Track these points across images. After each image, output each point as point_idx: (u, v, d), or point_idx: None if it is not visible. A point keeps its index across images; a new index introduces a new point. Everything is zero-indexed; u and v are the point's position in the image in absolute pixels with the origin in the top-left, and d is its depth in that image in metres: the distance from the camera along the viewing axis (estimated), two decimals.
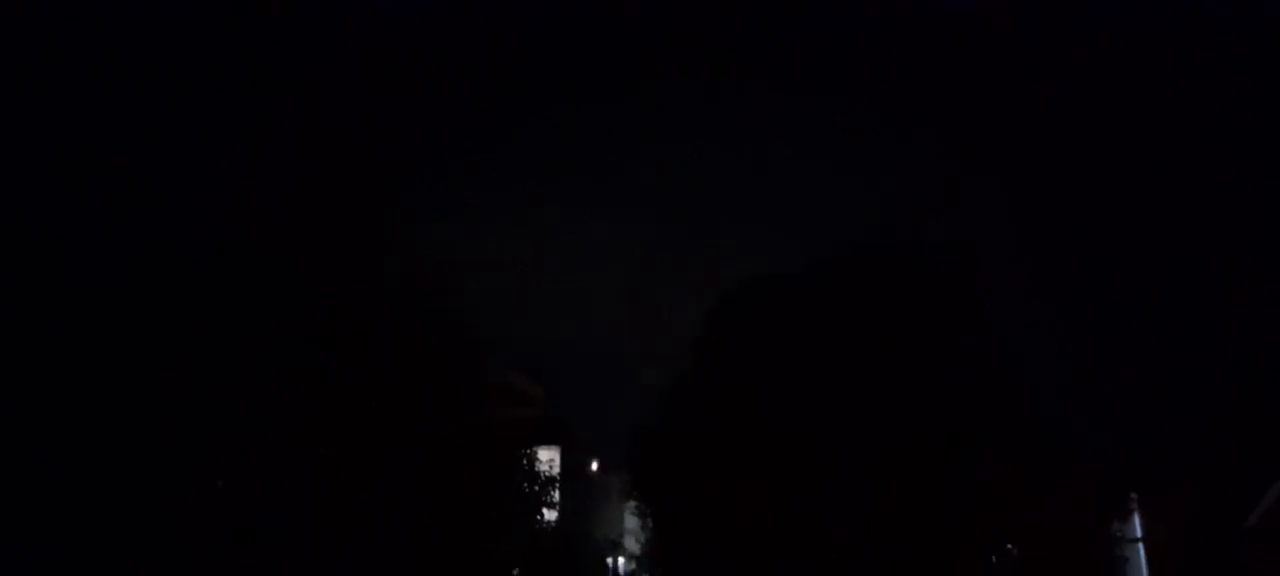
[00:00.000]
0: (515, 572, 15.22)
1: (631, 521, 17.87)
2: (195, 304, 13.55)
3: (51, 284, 13.53)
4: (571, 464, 19.44)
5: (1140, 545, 19.32)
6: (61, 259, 13.91)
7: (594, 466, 21.64)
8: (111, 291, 13.73)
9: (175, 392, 12.81)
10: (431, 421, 14.16)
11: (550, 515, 15.91)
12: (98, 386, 12.96)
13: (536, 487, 15.52)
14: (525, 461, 15.61)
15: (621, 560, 18.41)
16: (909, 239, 17.25)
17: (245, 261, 14.26)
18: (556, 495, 16.08)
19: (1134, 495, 17.64)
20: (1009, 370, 16.24)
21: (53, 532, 12.43)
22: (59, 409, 12.82)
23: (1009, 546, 16.25)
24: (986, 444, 15.19)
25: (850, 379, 15.29)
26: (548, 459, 16.28)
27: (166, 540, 12.41)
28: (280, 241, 14.92)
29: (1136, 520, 18.80)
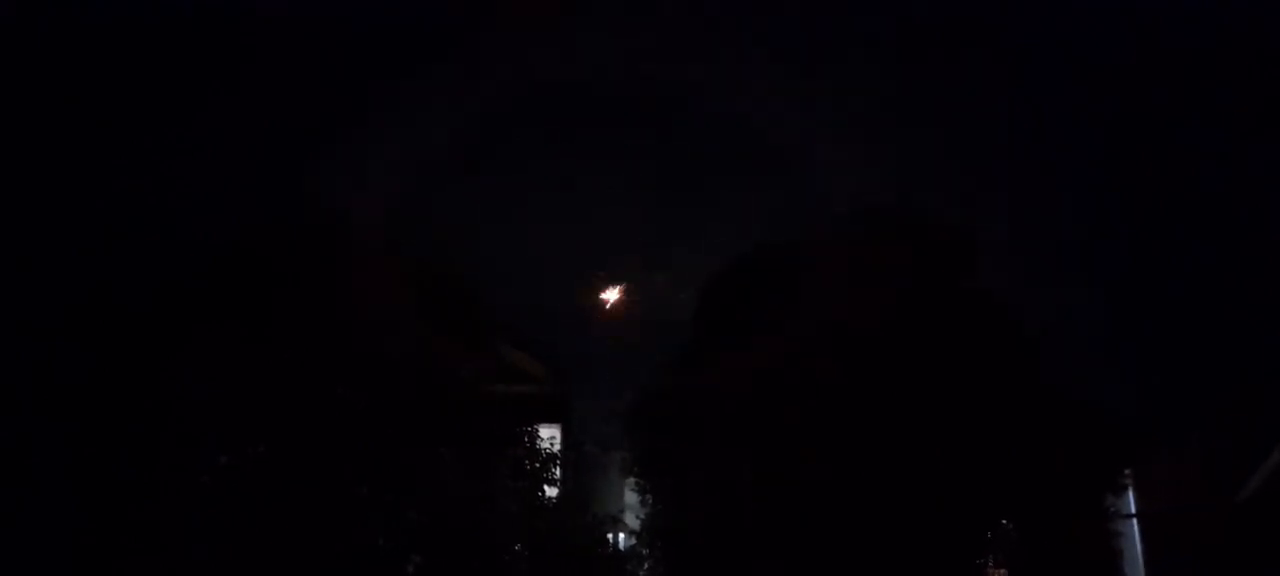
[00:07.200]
0: (516, 547, 15.45)
1: (631, 497, 18.10)
2: (194, 304, 13.76)
3: (50, 285, 13.73)
4: (572, 440, 19.66)
5: (1134, 521, 19.53)
6: (59, 259, 14.10)
7: (594, 442, 21.85)
8: (109, 292, 13.94)
9: (174, 394, 13.05)
10: (433, 402, 14.43)
11: (551, 492, 16.15)
12: (95, 387, 13.19)
13: (537, 465, 15.78)
14: (526, 439, 15.88)
15: (622, 536, 18.64)
16: (915, 205, 17.32)
17: (244, 258, 14.46)
18: (557, 472, 16.31)
19: (1128, 471, 17.77)
20: (1013, 336, 16.29)
21: (52, 532, 12.72)
22: (58, 410, 13.06)
23: (1004, 521, 16.41)
24: (989, 409, 15.24)
25: (850, 345, 15.43)
26: (549, 436, 16.51)
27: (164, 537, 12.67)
28: (274, 233, 15.08)
29: (1130, 495, 18.97)
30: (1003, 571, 16.62)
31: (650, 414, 17.26)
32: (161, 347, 13.59)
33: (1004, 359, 15.91)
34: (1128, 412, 17.57)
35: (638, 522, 17.37)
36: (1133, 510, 19.35)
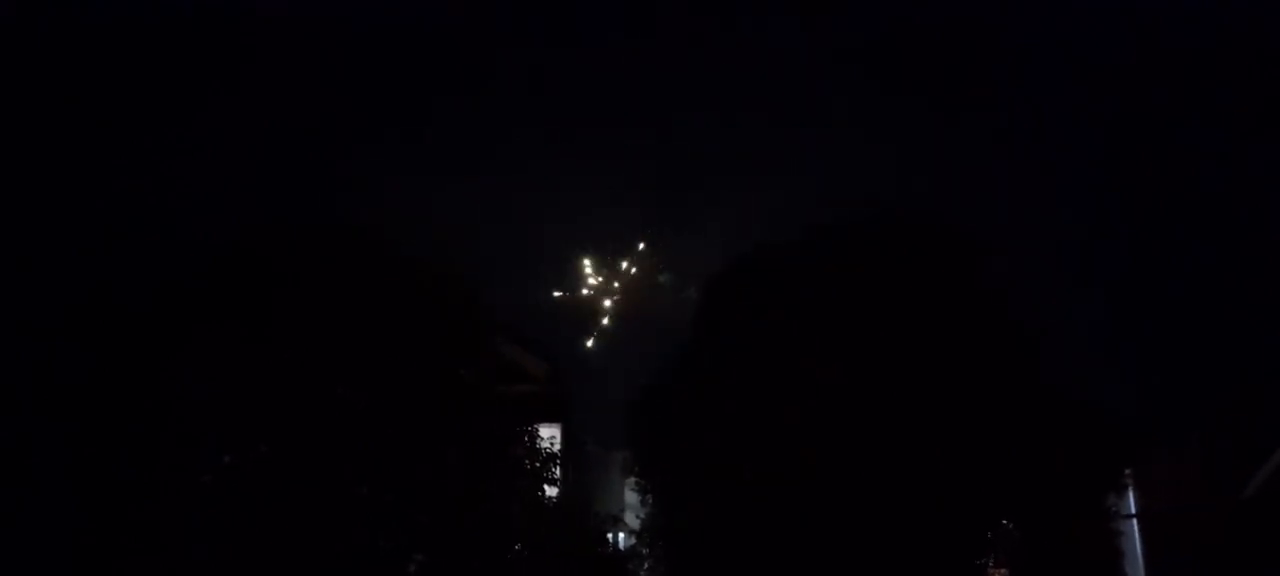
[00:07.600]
0: (517, 547, 15.45)
1: (631, 497, 18.10)
2: (194, 304, 13.78)
3: (50, 285, 13.74)
4: (572, 440, 19.67)
5: (1135, 520, 19.53)
6: (59, 259, 14.11)
7: (594, 442, 21.89)
8: (109, 292, 13.94)
9: (174, 394, 13.06)
10: (434, 404, 14.43)
11: (551, 491, 16.14)
12: (95, 387, 13.20)
13: (538, 464, 15.77)
14: (527, 438, 15.87)
15: (622, 536, 18.66)
16: (915, 205, 17.34)
17: (244, 258, 14.47)
18: (558, 471, 16.30)
19: (1128, 470, 17.79)
20: (1013, 336, 16.29)
21: (52, 532, 12.73)
22: (58, 410, 13.07)
23: (1005, 521, 16.41)
24: (989, 409, 15.24)
25: (851, 346, 15.43)
26: (549, 436, 16.49)
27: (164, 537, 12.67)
28: (274, 233, 15.09)
29: (1131, 495, 18.98)
30: (1004, 571, 16.65)
31: (650, 413, 17.27)
32: (161, 347, 13.59)
33: (1004, 359, 15.91)
34: (1128, 412, 17.60)
35: (638, 522, 17.40)
36: (1133, 509, 19.36)
